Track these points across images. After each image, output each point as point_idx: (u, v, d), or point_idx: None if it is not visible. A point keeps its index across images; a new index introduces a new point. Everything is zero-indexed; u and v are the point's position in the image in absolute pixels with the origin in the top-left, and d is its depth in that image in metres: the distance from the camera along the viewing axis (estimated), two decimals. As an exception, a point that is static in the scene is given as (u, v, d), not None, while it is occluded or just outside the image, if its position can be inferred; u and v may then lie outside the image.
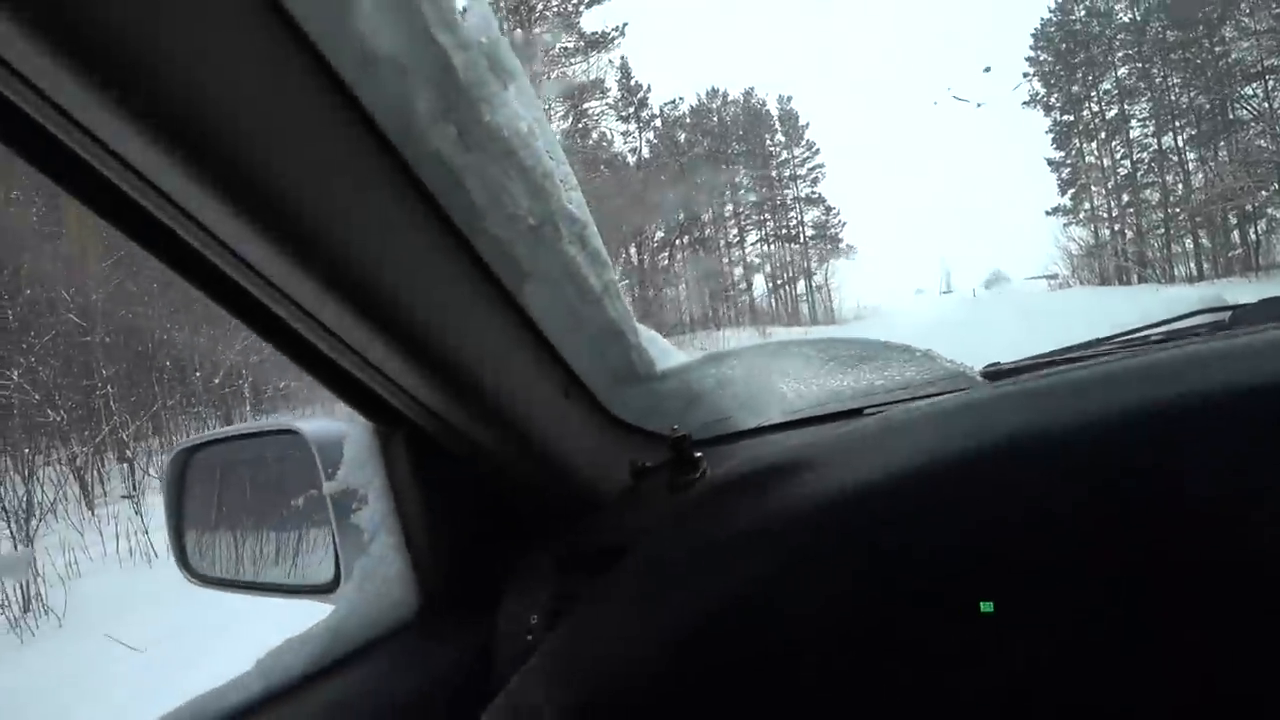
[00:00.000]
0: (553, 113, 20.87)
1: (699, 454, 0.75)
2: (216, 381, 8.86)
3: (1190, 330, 0.86)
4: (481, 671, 0.69)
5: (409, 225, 0.50)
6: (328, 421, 0.78)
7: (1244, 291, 13.57)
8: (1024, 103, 29.92)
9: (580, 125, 21.69)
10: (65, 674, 3.32)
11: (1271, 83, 21.84)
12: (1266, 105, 22.24)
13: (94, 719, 2.75)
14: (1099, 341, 0.90)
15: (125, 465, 7.89)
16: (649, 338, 0.76)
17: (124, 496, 7.15)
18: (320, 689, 0.62)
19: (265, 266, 0.47)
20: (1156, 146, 26.15)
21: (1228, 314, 0.89)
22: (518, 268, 0.57)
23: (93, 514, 6.76)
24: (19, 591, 4.39)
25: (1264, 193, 21.59)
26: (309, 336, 0.53)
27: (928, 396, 0.84)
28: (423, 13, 0.44)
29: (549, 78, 20.95)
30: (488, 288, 0.57)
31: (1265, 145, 21.72)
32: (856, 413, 0.84)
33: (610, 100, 24.21)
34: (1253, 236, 22.84)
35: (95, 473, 7.88)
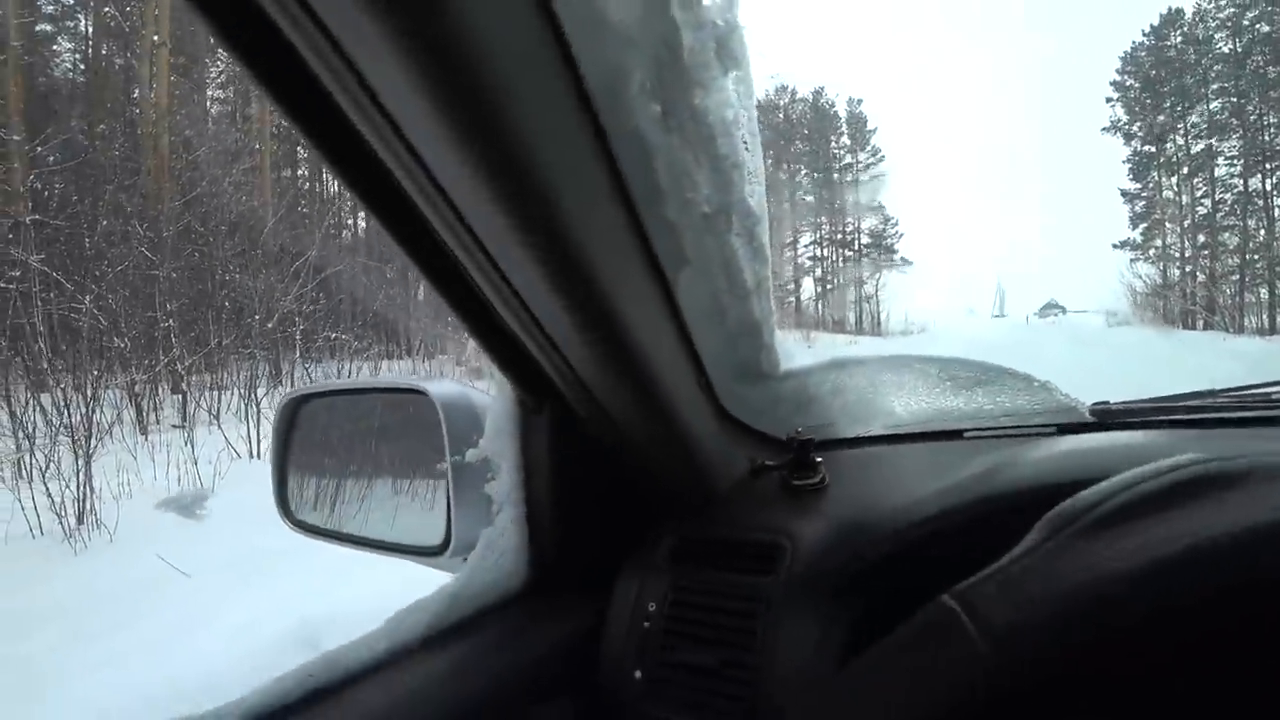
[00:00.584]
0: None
1: (820, 459, 0.76)
2: (270, 326, 9.09)
3: None
4: (587, 651, 0.69)
5: (597, 195, 0.49)
6: (455, 385, 0.79)
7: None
8: (1103, 129, 28.81)
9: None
10: (117, 590, 3.48)
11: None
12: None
13: (146, 637, 2.87)
14: (1209, 393, 0.88)
15: (179, 396, 8.20)
16: (779, 338, 0.77)
17: (175, 426, 7.46)
18: (437, 654, 0.63)
19: (470, 212, 0.47)
20: (1242, 188, 24.90)
21: None
22: (681, 254, 0.57)
23: (146, 439, 7.04)
24: (76, 505, 4.62)
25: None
26: (488, 293, 0.54)
27: (1033, 427, 0.84)
28: None
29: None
30: (648, 268, 0.57)
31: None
32: (957, 434, 0.85)
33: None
34: (1333, 292, 21.68)
35: (151, 401, 8.20)
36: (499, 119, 0.40)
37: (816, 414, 0.85)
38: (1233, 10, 24.82)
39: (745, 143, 0.54)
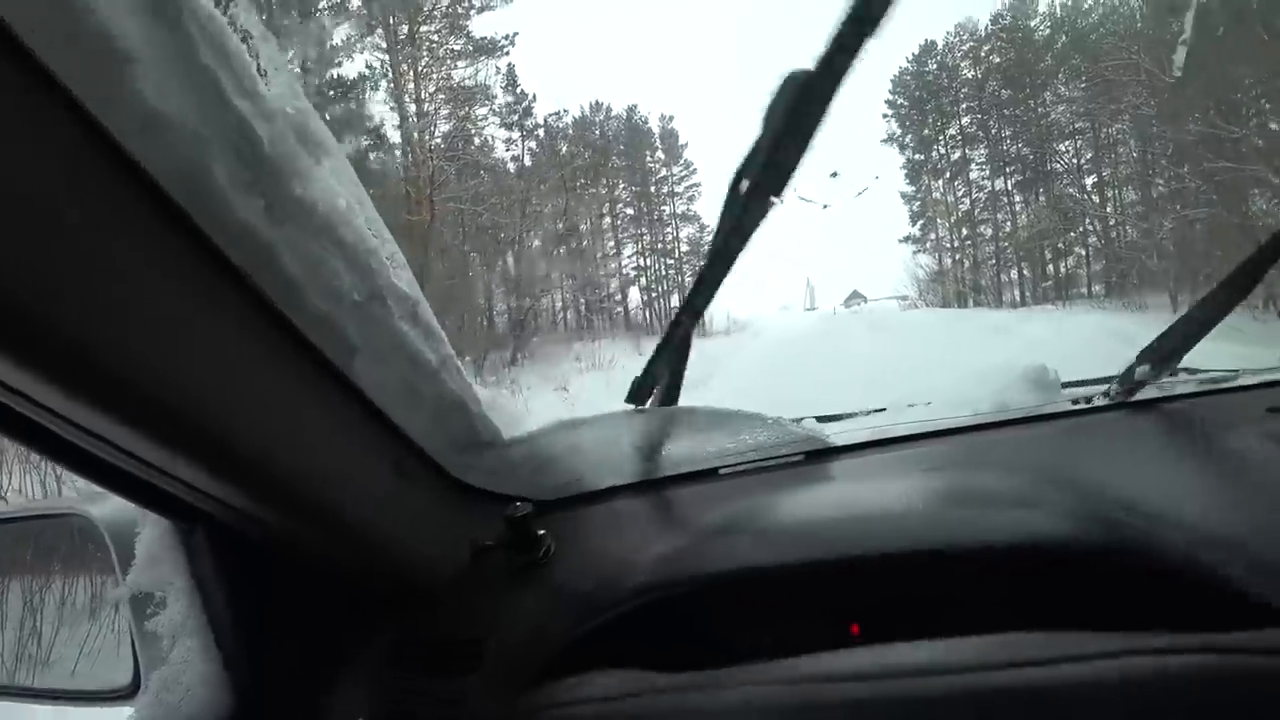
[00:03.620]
0: (437, 115, 20.12)
1: (542, 531, 0.72)
2: None
3: (1015, 414, 0.96)
4: None
5: (209, 302, 0.44)
6: (123, 503, 0.66)
7: (1053, 317, 15.68)
8: (882, 140, 32.75)
9: (463, 129, 21.07)
10: None
11: (1080, 142, 25.34)
12: (1075, 161, 25.76)
13: None
14: (936, 419, 0.98)
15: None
16: (493, 404, 0.74)
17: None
18: None
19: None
20: (991, 188, 29.42)
21: (1046, 395, 0.99)
22: (345, 343, 0.54)
23: None
24: None
25: (1071, 234, 25.02)
26: (60, 433, 0.45)
27: (783, 458, 0.88)
28: (217, 77, 0.40)
29: (434, 78, 20.24)
30: (308, 365, 0.53)
31: (1074, 194, 25.11)
32: (712, 473, 0.87)
33: (495, 106, 23.73)
34: (1062, 270, 26.35)
35: None
36: (49, 249, 0.34)
37: (564, 471, 0.83)
38: (972, 44, 29.30)
39: (372, 231, 0.53)
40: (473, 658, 0.62)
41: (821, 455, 0.89)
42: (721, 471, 0.87)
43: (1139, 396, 0.95)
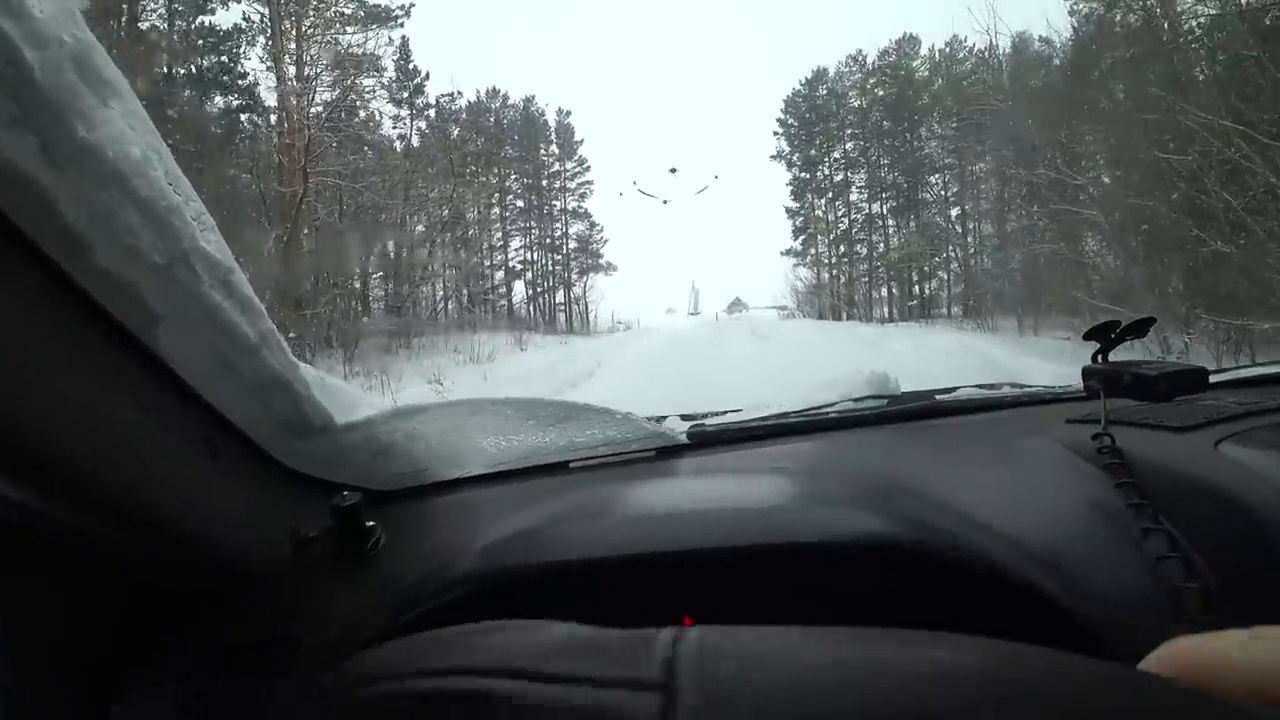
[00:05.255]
0: (319, 81, 18.62)
1: (371, 522, 0.69)
2: None
3: (858, 412, 1.04)
4: None
5: None
6: None
7: (905, 334, 17.09)
8: (771, 156, 34.23)
9: (349, 100, 19.65)
10: None
11: (947, 176, 27.74)
12: (942, 192, 28.17)
13: None
14: (786, 415, 1.04)
15: None
16: (325, 386, 0.69)
17: None
18: None
19: None
20: (868, 211, 31.52)
21: (886, 401, 1.08)
22: (143, 308, 0.48)
23: None
24: None
25: (936, 259, 27.36)
26: None
27: (634, 453, 0.90)
28: None
29: (319, 41, 18.74)
30: (101, 332, 0.47)
31: (939, 222, 27.47)
32: (562, 466, 0.87)
33: (384, 80, 22.33)
34: (927, 291, 28.77)
35: None
36: None
37: (403, 460, 0.80)
38: (860, 75, 31.23)
39: (174, 187, 0.47)
40: (284, 660, 0.58)
41: (672, 451, 0.91)
42: (572, 465, 0.87)
43: (962, 403, 1.06)
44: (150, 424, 0.53)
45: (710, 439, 0.95)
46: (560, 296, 33.05)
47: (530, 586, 0.64)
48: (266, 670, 0.58)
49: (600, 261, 33.94)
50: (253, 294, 0.56)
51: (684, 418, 1.04)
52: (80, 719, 0.57)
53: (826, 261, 33.13)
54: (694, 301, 47.49)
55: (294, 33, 17.99)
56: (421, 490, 0.81)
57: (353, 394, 0.74)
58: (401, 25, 21.05)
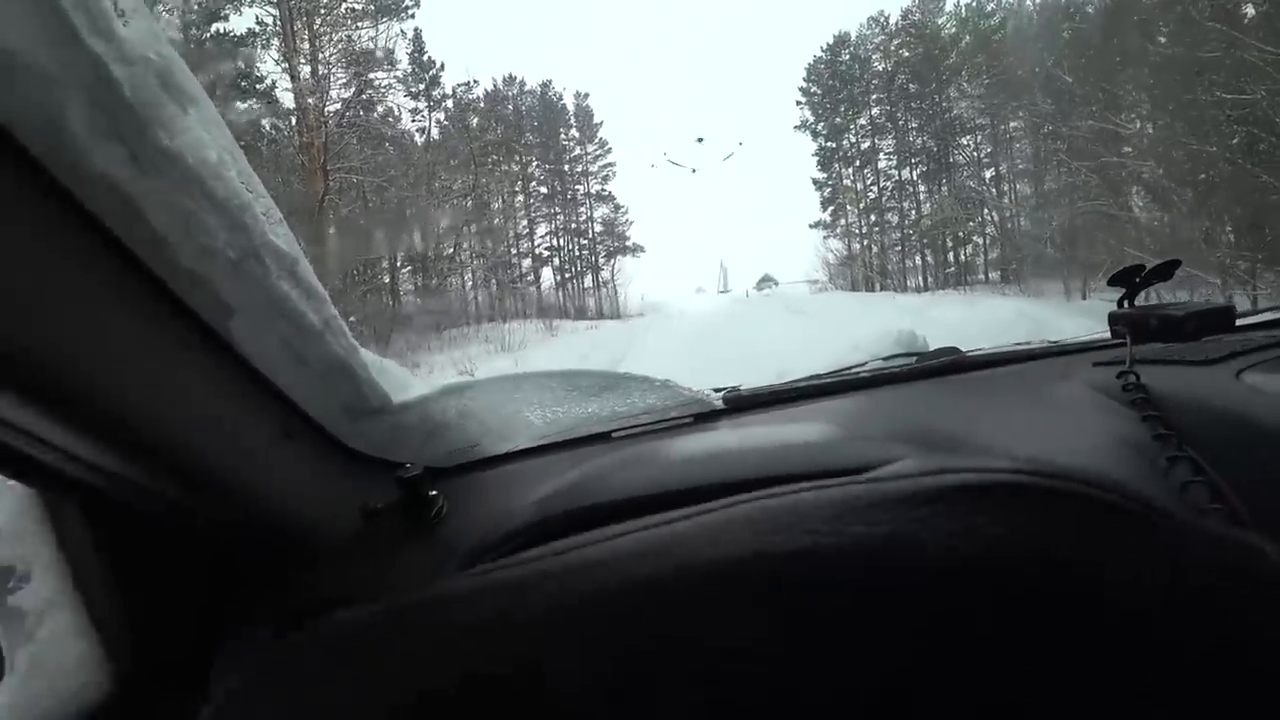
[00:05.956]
0: (333, 79, 18.79)
1: (434, 491, 0.73)
2: None
3: (888, 370, 1.06)
4: None
5: (68, 255, 0.43)
6: None
7: (952, 302, 16.60)
8: (795, 127, 33.61)
9: (364, 96, 19.77)
10: None
11: (980, 137, 26.89)
12: (975, 154, 27.35)
13: None
14: (818, 377, 1.07)
15: None
16: (381, 368, 0.73)
17: None
18: None
19: None
20: (898, 177, 30.82)
21: (914, 359, 1.10)
22: (219, 302, 0.52)
23: None
24: None
25: (971, 223, 26.63)
26: None
27: (672, 420, 0.93)
28: (67, 14, 0.37)
29: (331, 39, 18.90)
30: (182, 324, 0.51)
31: (973, 185, 26.70)
32: (605, 436, 0.90)
33: (400, 74, 22.37)
34: (962, 257, 28.06)
35: None
36: None
37: (456, 437, 0.84)
38: (883, 37, 30.40)
39: (246, 185, 0.50)
40: None
41: (708, 417, 0.95)
42: (614, 435, 0.90)
43: (990, 356, 1.07)
44: (233, 410, 0.58)
45: (744, 403, 0.98)
46: (589, 281, 33.09)
47: (579, 526, 0.66)
48: None
49: (627, 244, 33.89)
50: (317, 281, 0.59)
51: (716, 390, 1.07)
52: (186, 675, 0.63)
53: (857, 232, 32.58)
54: (723, 279, 47.29)
55: (306, 33, 18.17)
56: (473, 465, 0.85)
57: (404, 375, 0.78)
58: (412, 16, 21.12)
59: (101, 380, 0.46)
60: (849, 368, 1.11)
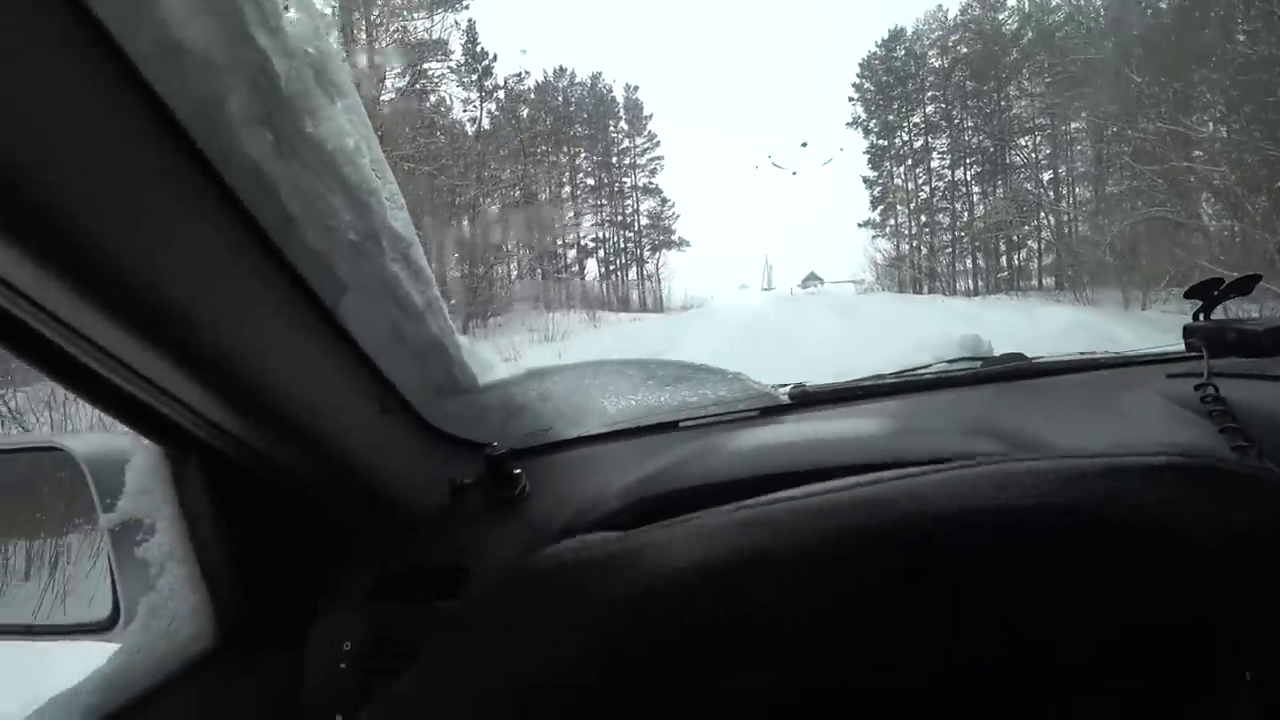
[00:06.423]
0: (388, 69, 19.17)
1: (517, 470, 0.77)
2: None
3: (954, 373, 1.07)
4: (290, 707, 0.66)
5: (209, 228, 0.46)
6: (104, 437, 0.70)
7: (1006, 307, 16.08)
8: (847, 124, 33.01)
9: (418, 86, 20.13)
10: None
11: (1039, 138, 25.99)
12: (1033, 155, 26.45)
13: None
14: (881, 376, 1.07)
15: None
16: (470, 351, 0.76)
17: None
18: None
19: (17, 275, 0.40)
20: (950, 177, 30.06)
21: (979, 363, 1.10)
22: (335, 280, 0.55)
23: None
24: None
25: (1026, 227, 25.79)
26: (74, 352, 0.47)
27: (739, 413, 0.95)
28: (241, 10, 0.40)
29: (387, 30, 19.28)
30: (300, 300, 0.54)
31: (1030, 188, 25.85)
32: (672, 425, 0.93)
33: (453, 64, 22.73)
34: (1016, 262, 27.19)
35: None
36: (59, 162, 0.36)
37: (532, 420, 0.87)
38: (941, 33, 29.63)
39: (376, 172, 0.53)
40: (458, 584, 0.67)
41: (774, 411, 0.96)
42: (681, 425, 0.92)
43: (1057, 364, 1.06)
44: (337, 383, 0.61)
45: (810, 399, 0.99)
46: (632, 274, 33.11)
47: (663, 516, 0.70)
48: (445, 593, 0.67)
49: (672, 238, 33.78)
50: (425, 264, 0.62)
51: (780, 385, 1.09)
52: (285, 630, 0.68)
53: (906, 232, 31.84)
54: (767, 277, 46.74)
55: (363, 23, 18.56)
56: (547, 447, 0.88)
57: (490, 357, 0.81)
58: (467, 8, 21.38)
59: (232, 344, 0.49)
60: (914, 369, 1.11)
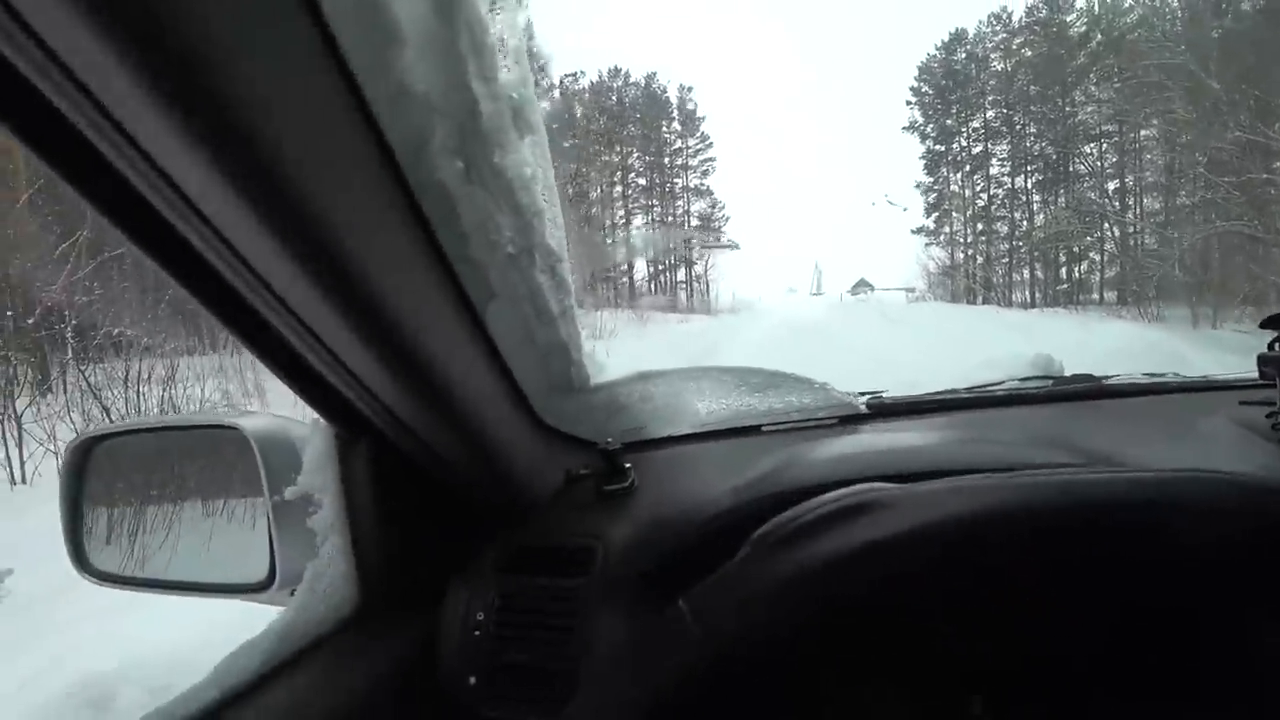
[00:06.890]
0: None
1: (628, 464, 0.84)
2: (30, 322, 7.34)
3: (1025, 390, 1.10)
4: (424, 663, 0.73)
5: (404, 243, 0.53)
6: (270, 418, 0.78)
7: (1065, 323, 15.50)
8: (903, 128, 32.36)
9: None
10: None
11: (1105, 145, 25.02)
12: (1099, 164, 25.47)
13: None
14: (955, 390, 1.12)
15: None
16: (588, 353, 0.83)
17: None
18: (275, 690, 0.63)
19: (267, 269, 0.47)
20: (1010, 185, 29.21)
21: (1051, 381, 1.13)
22: (487, 288, 0.62)
23: None
24: None
25: (1088, 238, 24.85)
26: (293, 340, 0.54)
27: (818, 420, 1.01)
28: (465, 63, 0.47)
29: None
30: (456, 302, 0.61)
31: (1094, 198, 24.90)
32: (755, 429, 0.99)
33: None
34: (1076, 274, 26.23)
35: None
36: (297, 181, 0.42)
37: (630, 419, 0.94)
38: (1004, 35, 28.83)
39: (544, 196, 0.60)
40: (586, 562, 0.74)
41: (851, 420, 1.01)
42: (764, 429, 0.99)
43: (1129, 386, 1.09)
44: (478, 377, 0.68)
45: (886, 409, 1.04)
46: (681, 274, 33.11)
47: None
48: (578, 570, 0.74)
49: (722, 239, 33.67)
50: (568, 276, 0.69)
51: (859, 394, 1.14)
52: (420, 599, 0.75)
53: (962, 240, 31.04)
54: (817, 282, 46.09)
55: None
56: (645, 444, 0.95)
57: (601, 359, 0.88)
58: (526, 8, 21.71)
59: (414, 340, 0.56)
60: (986, 384, 1.15)
